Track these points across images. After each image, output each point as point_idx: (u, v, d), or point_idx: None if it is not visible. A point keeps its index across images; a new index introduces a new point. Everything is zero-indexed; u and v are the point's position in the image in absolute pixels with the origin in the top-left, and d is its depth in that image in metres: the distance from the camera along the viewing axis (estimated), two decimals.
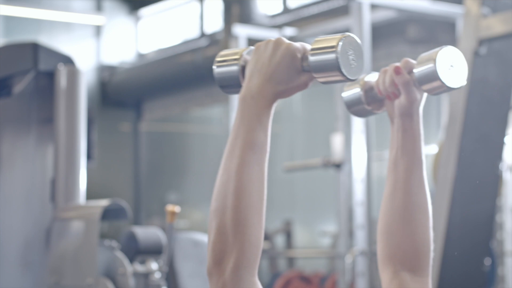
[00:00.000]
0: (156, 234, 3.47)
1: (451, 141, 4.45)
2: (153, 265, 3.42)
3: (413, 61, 1.61)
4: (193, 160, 13.72)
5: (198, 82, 11.59)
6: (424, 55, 1.59)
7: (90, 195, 3.71)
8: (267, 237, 10.01)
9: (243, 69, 1.59)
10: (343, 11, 8.11)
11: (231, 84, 1.60)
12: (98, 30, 13.57)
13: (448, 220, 4.37)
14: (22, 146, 3.64)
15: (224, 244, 1.48)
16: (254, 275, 1.48)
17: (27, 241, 3.56)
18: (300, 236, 11.68)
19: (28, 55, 3.66)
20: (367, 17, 6.60)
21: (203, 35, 12.69)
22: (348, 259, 7.06)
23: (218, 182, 1.50)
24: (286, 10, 11.11)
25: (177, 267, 4.18)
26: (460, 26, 6.57)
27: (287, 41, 1.56)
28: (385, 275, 1.68)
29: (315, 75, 1.53)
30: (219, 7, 11.00)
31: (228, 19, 10.24)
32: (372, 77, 1.70)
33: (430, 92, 1.61)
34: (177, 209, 3.26)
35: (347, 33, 1.52)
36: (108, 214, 3.48)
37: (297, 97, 10.16)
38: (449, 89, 1.58)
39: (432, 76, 1.57)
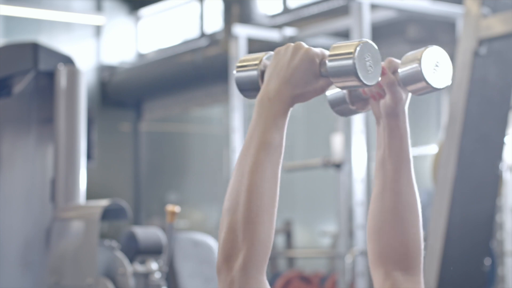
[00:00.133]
0: (156, 234, 3.47)
1: (451, 141, 4.45)
2: (153, 265, 3.42)
3: (398, 61, 1.61)
4: (193, 160, 13.72)
5: (198, 82, 11.59)
6: (409, 55, 1.59)
7: (90, 195, 3.71)
8: None
9: (262, 73, 1.62)
10: (343, 11, 8.11)
11: (251, 88, 1.63)
12: (98, 30, 13.57)
13: (448, 220, 4.37)
14: (22, 146, 3.64)
15: (234, 242, 1.49)
16: (263, 273, 1.50)
17: (27, 241, 3.56)
18: (300, 236, 11.68)
19: (28, 55, 3.66)
20: (367, 17, 6.60)
21: (203, 35, 12.69)
22: (348, 259, 7.06)
23: (232, 181, 1.52)
24: (286, 10, 11.11)
25: (177, 267, 4.18)
26: (460, 26, 6.57)
27: (306, 46, 1.58)
28: (377, 276, 1.68)
29: (332, 80, 1.55)
30: (219, 7, 11.00)
31: (228, 19, 10.24)
32: None
33: (414, 92, 1.60)
34: (177, 209, 3.26)
35: (365, 39, 1.54)
36: (108, 214, 3.48)
37: None
38: (434, 89, 1.58)
39: (417, 76, 1.56)
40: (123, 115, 13.67)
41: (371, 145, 6.43)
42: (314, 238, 11.86)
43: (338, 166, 8.00)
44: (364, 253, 6.39)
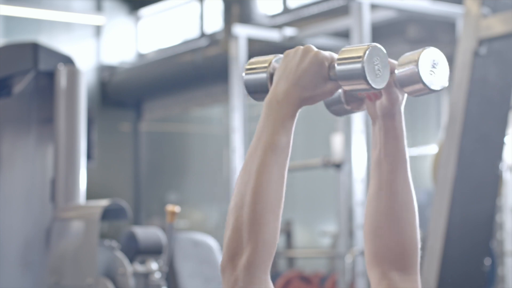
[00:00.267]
0: (156, 234, 3.47)
1: (451, 141, 4.45)
2: (153, 265, 3.42)
3: (394, 62, 1.61)
4: (193, 160, 13.72)
5: (198, 82, 11.59)
6: (406, 56, 1.59)
7: (90, 195, 3.71)
8: None
9: (271, 76, 1.63)
10: (343, 11, 8.11)
11: (260, 90, 1.64)
12: (98, 30, 13.57)
13: (448, 220, 4.37)
14: (22, 146, 3.64)
15: (239, 241, 1.49)
16: (267, 273, 1.51)
17: (27, 241, 3.56)
18: (300, 236, 11.68)
19: (28, 55, 3.66)
20: (367, 17, 6.60)
21: (203, 35, 12.69)
22: (348, 259, 7.06)
23: (238, 181, 1.54)
24: (286, 10, 11.11)
25: (177, 267, 4.18)
26: (460, 26, 6.57)
27: (316, 49, 1.59)
28: (373, 276, 1.68)
29: (341, 84, 1.56)
30: (219, 7, 11.00)
31: (228, 19, 10.24)
32: None
33: (411, 94, 1.60)
34: (177, 209, 3.26)
35: (374, 44, 1.55)
36: (108, 214, 3.48)
37: None
38: (431, 91, 1.57)
39: (414, 78, 1.56)
40: (123, 115, 13.68)
41: (371, 144, 6.43)
42: (314, 238, 11.86)
43: (338, 166, 8.00)
44: (364, 253, 6.39)
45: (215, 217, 13.22)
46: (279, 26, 8.96)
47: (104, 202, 3.44)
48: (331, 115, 1.77)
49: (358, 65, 1.53)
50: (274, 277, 9.49)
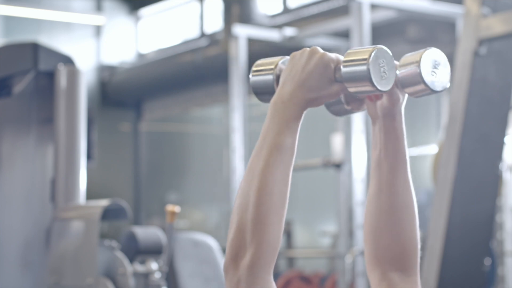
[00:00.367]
0: (156, 234, 3.47)
1: (451, 141, 4.45)
2: (153, 265, 3.42)
3: (396, 62, 1.61)
4: (193, 160, 13.72)
5: (198, 82, 11.59)
6: (408, 56, 1.58)
7: (90, 195, 3.71)
8: None
9: (278, 77, 1.64)
10: (343, 11, 8.11)
11: (266, 91, 1.65)
12: (98, 30, 13.57)
13: (448, 220, 4.37)
14: (22, 146, 3.64)
15: (242, 241, 1.49)
16: (270, 274, 1.51)
17: (27, 241, 3.56)
18: (300, 236, 11.68)
19: (28, 55, 3.66)
20: (367, 17, 6.60)
21: (203, 35, 12.69)
22: (348, 259, 7.07)
23: (243, 181, 1.54)
24: (286, 10, 11.11)
25: (177, 267, 4.18)
26: (460, 26, 6.57)
27: (322, 51, 1.59)
28: (373, 277, 1.68)
29: (346, 86, 1.57)
30: (219, 7, 11.00)
31: (228, 19, 10.24)
32: None
33: (412, 94, 1.60)
34: (177, 209, 3.26)
35: (380, 46, 1.55)
36: (108, 214, 3.48)
37: None
38: (433, 92, 1.57)
39: (416, 79, 1.56)
40: (123, 115, 13.68)
41: (371, 144, 6.43)
42: (314, 238, 11.86)
43: (338, 166, 8.00)
44: (364, 253, 6.39)
45: (215, 217, 13.23)
46: (279, 26, 8.96)
47: (104, 202, 3.44)
48: (331, 115, 1.77)
49: (364, 67, 1.53)
50: (274, 277, 9.46)
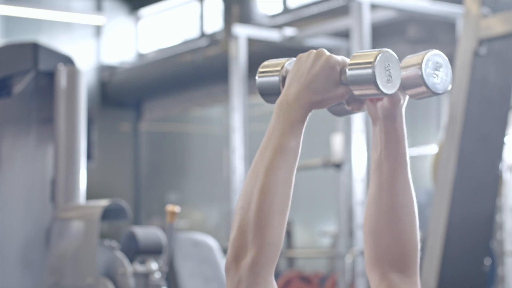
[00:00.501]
0: (156, 234, 3.47)
1: (451, 141, 4.45)
2: (153, 265, 3.42)
3: None
4: (193, 160, 13.72)
5: (198, 82, 11.59)
6: (409, 58, 1.59)
7: (90, 195, 3.71)
8: None
9: (284, 79, 1.64)
10: (343, 11, 8.11)
11: (272, 93, 1.66)
12: (98, 30, 13.57)
13: (448, 220, 4.37)
14: (22, 146, 3.64)
15: (244, 241, 1.50)
16: (271, 274, 1.51)
17: (27, 241, 3.56)
18: (300, 236, 11.68)
19: (28, 55, 3.66)
20: (367, 17, 6.60)
21: (203, 35, 12.69)
22: (348, 259, 7.07)
23: (246, 181, 1.54)
24: (286, 10, 11.11)
25: (177, 267, 4.18)
26: (460, 26, 6.57)
27: (328, 53, 1.60)
28: (373, 278, 1.68)
29: (351, 88, 1.57)
30: (219, 7, 11.00)
31: (228, 19, 10.24)
32: None
33: (414, 96, 1.60)
34: (177, 209, 3.26)
35: (385, 49, 1.55)
36: (108, 214, 3.48)
37: None
38: (434, 94, 1.57)
39: (417, 81, 1.56)
40: (123, 115, 13.67)
41: (371, 145, 6.43)
42: (314, 238, 11.86)
43: (338, 166, 8.00)
44: (364, 253, 6.39)
45: (215, 217, 13.23)
46: (279, 26, 8.95)
47: (104, 202, 3.44)
48: (331, 115, 1.77)
49: (369, 71, 1.53)
50: (274, 277, 9.48)
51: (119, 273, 3.36)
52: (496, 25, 4.41)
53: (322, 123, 9.88)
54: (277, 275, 9.38)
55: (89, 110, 3.74)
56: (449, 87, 1.59)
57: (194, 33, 12.96)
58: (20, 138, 3.64)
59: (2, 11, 11.73)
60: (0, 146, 3.61)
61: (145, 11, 13.81)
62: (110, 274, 3.38)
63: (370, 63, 1.53)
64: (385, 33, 8.17)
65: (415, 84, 1.57)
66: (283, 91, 1.59)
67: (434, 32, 8.30)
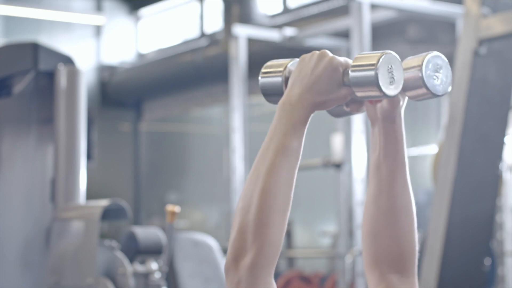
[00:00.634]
0: (156, 234, 3.47)
1: (451, 141, 4.45)
2: (153, 265, 3.42)
3: None
4: (193, 160, 13.72)
5: (198, 82, 11.59)
6: (409, 60, 1.59)
7: (90, 195, 3.71)
8: None
9: (286, 79, 1.64)
10: (343, 11, 8.11)
11: (275, 93, 1.66)
12: (98, 30, 13.57)
13: (448, 220, 4.37)
14: (22, 146, 3.64)
15: (244, 242, 1.49)
16: (271, 275, 1.51)
17: (27, 241, 3.56)
18: (300, 236, 11.68)
19: (28, 55, 3.66)
20: (367, 17, 6.60)
21: (203, 35, 12.69)
22: (348, 259, 7.07)
23: (247, 182, 1.54)
24: (286, 10, 11.11)
25: (177, 267, 4.18)
26: (460, 26, 6.57)
27: (331, 55, 1.60)
28: (371, 279, 1.68)
29: (354, 90, 1.57)
30: (219, 7, 11.00)
31: (228, 19, 10.24)
32: None
33: (414, 98, 1.60)
34: (177, 209, 3.26)
35: (388, 51, 1.56)
36: (108, 214, 3.48)
37: None
38: (434, 96, 1.57)
39: (418, 83, 1.57)
40: (123, 115, 13.67)
41: (370, 147, 6.43)
42: (314, 238, 11.86)
43: (338, 166, 8.00)
44: (362, 254, 6.39)
45: (215, 217, 13.23)
46: (279, 26, 8.95)
47: (104, 202, 3.44)
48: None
49: (371, 73, 1.53)
50: (274, 277, 9.48)
51: (119, 273, 3.36)
52: (496, 25, 4.41)
53: (322, 123, 9.89)
54: (277, 275, 9.38)
55: (89, 110, 3.74)
56: (449, 89, 1.59)
57: (194, 33, 12.96)
58: (20, 138, 3.65)
59: (2, 11, 11.73)
60: (0, 146, 3.61)
61: (145, 11, 13.81)
62: (110, 274, 3.38)
63: (373, 65, 1.54)
64: (385, 33, 8.17)
65: (415, 86, 1.57)
66: (286, 92, 1.59)
67: (434, 32, 8.30)
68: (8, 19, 12.44)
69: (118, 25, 13.77)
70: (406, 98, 1.66)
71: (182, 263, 4.20)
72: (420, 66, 1.56)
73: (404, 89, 1.59)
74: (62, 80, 3.62)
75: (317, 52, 1.61)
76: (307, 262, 11.07)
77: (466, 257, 4.45)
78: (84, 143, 3.65)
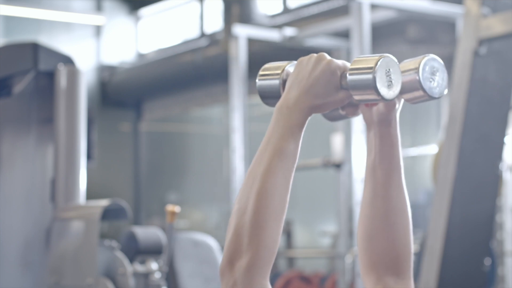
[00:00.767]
0: (156, 234, 3.47)
1: (451, 141, 4.45)
2: (153, 265, 3.42)
3: None
4: (193, 160, 13.72)
5: (198, 82, 11.59)
6: (406, 63, 1.59)
7: (90, 195, 3.71)
8: None
9: (284, 82, 1.64)
10: (343, 11, 8.11)
11: (272, 96, 1.65)
12: (98, 30, 13.57)
13: (448, 220, 4.37)
14: (22, 146, 3.64)
15: (239, 245, 1.49)
16: (266, 278, 1.50)
17: (27, 241, 3.56)
18: (300, 236, 11.68)
19: (28, 55, 3.66)
20: (367, 17, 6.60)
21: (203, 35, 12.69)
22: (348, 259, 7.07)
23: (243, 184, 1.54)
24: (286, 10, 11.11)
25: (177, 267, 4.18)
26: (460, 26, 6.57)
27: (329, 58, 1.59)
28: (368, 281, 1.69)
29: (352, 93, 1.57)
30: (219, 7, 11.00)
31: (228, 19, 10.24)
32: None
33: (410, 101, 1.61)
34: (177, 209, 3.26)
35: (386, 54, 1.55)
36: (108, 214, 3.48)
37: None
38: (431, 98, 1.58)
39: (415, 85, 1.57)
40: (123, 115, 13.67)
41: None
42: (314, 238, 11.86)
43: (338, 166, 8.00)
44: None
45: (215, 217, 13.23)
46: (279, 26, 8.95)
47: (104, 202, 3.44)
48: None
49: (369, 76, 1.53)
50: (274, 277, 9.50)
51: (119, 273, 3.36)
52: (496, 25, 4.41)
53: (322, 123, 9.89)
54: (277, 275, 9.38)
55: (89, 110, 3.74)
56: (445, 91, 1.60)
57: (194, 33, 12.96)
58: (20, 138, 3.64)
59: (2, 11, 11.73)
60: (0, 146, 3.61)
61: (145, 11, 13.81)
62: (110, 274, 3.38)
63: (371, 68, 1.53)
64: (385, 33, 8.17)
65: (412, 89, 1.57)
66: (283, 95, 1.59)
67: (434, 32, 8.30)
68: (8, 19, 12.44)
69: (118, 25, 13.77)
70: (402, 101, 1.66)
71: (182, 263, 4.20)
72: (417, 68, 1.56)
73: (401, 92, 1.59)
74: (62, 80, 3.62)
75: (315, 54, 1.60)
76: (307, 262, 11.07)
77: (466, 257, 4.45)
78: (84, 143, 3.65)
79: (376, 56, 1.55)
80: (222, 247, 4.41)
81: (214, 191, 12.75)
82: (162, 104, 13.28)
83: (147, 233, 3.47)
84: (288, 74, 1.64)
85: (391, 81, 1.55)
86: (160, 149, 13.82)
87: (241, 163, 7.64)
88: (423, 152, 9.56)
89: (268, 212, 1.50)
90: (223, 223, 12.06)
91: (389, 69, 1.55)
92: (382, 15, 7.50)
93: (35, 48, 3.66)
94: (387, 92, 1.54)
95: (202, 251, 4.29)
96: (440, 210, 4.40)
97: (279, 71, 1.65)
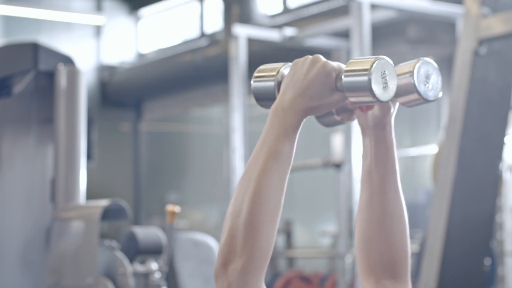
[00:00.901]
0: (156, 234, 3.47)
1: (451, 141, 4.45)
2: (153, 265, 3.42)
3: None
4: (193, 160, 13.72)
5: (198, 82, 11.59)
6: (401, 66, 1.59)
7: (90, 195, 3.71)
8: None
9: (279, 84, 1.63)
10: (343, 11, 8.11)
11: (267, 98, 1.65)
12: (98, 30, 13.57)
13: (448, 220, 4.37)
14: (22, 146, 3.64)
15: (234, 247, 1.49)
16: (261, 280, 1.50)
17: (27, 241, 3.56)
18: (300, 236, 11.68)
19: (28, 55, 3.66)
20: (367, 17, 6.60)
21: (203, 35, 12.69)
22: (348, 259, 7.07)
23: (238, 186, 1.53)
24: (286, 10, 11.11)
25: (177, 267, 4.18)
26: (460, 26, 6.57)
27: (324, 59, 1.59)
28: (366, 284, 1.69)
29: (347, 95, 1.57)
30: (219, 7, 11.00)
31: (228, 19, 10.24)
32: None
33: (405, 104, 1.61)
34: (177, 209, 3.26)
35: (382, 56, 1.55)
36: (108, 214, 3.48)
37: None
38: (426, 101, 1.58)
39: (410, 89, 1.57)
40: (123, 115, 13.67)
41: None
42: (314, 238, 11.86)
43: (338, 166, 8.00)
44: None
45: (215, 217, 13.22)
46: (279, 26, 8.95)
47: (104, 202, 3.44)
48: None
49: (365, 78, 1.53)
50: (274, 277, 9.50)
51: (119, 273, 3.36)
52: (496, 25, 4.41)
53: None
54: (277, 275, 9.38)
55: (89, 110, 3.74)
56: (440, 94, 1.60)
57: (194, 33, 12.96)
58: (20, 138, 3.64)
59: (2, 11, 11.72)
60: (0, 146, 3.61)
61: (145, 11, 13.81)
62: (110, 274, 3.38)
63: (366, 70, 1.53)
64: (385, 33, 8.17)
65: (407, 92, 1.58)
66: (278, 97, 1.58)
67: (434, 32, 8.30)
68: (8, 19, 12.44)
69: (118, 25, 13.77)
70: (397, 105, 1.66)
71: (182, 263, 4.19)
72: (412, 72, 1.56)
73: (396, 95, 1.59)
74: (62, 80, 3.61)
75: (310, 56, 1.60)
76: (307, 262, 11.07)
77: (466, 257, 4.45)
78: (84, 143, 3.65)
79: (371, 58, 1.55)
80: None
81: (214, 191, 12.74)
82: (162, 104, 13.28)
83: (147, 233, 3.47)
84: (283, 76, 1.63)
85: (386, 83, 1.55)
86: (160, 149, 13.82)
87: (241, 163, 7.64)
88: (423, 152, 9.56)
89: (262, 214, 1.50)
90: (223, 223, 12.06)
91: (385, 71, 1.55)
92: (382, 15, 7.50)
93: (35, 48, 3.66)
94: (382, 94, 1.54)
95: (202, 251, 4.29)
96: (440, 210, 4.40)
97: (274, 73, 1.64)
